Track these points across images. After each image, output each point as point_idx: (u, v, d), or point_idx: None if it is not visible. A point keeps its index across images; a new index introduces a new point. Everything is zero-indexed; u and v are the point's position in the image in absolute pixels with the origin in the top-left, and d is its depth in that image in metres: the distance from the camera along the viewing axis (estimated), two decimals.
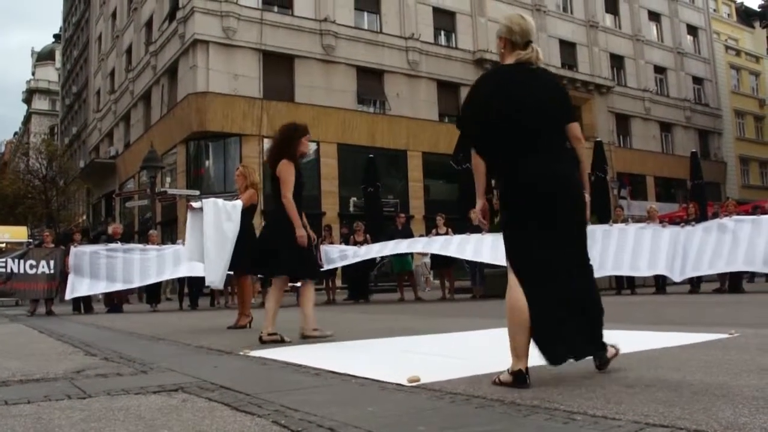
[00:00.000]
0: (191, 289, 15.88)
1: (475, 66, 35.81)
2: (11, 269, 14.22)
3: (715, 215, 15.02)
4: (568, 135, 3.64)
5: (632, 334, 5.62)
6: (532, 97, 3.55)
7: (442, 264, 16.56)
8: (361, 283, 17.38)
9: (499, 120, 3.54)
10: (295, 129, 6.35)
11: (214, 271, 7.99)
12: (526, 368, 3.31)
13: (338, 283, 18.12)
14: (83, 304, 15.01)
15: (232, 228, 7.99)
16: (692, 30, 49.81)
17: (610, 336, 3.67)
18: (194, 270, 13.03)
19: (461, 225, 16.42)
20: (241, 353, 5.24)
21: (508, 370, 3.34)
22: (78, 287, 14.41)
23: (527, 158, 3.47)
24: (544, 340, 3.36)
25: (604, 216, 17.40)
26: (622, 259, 14.00)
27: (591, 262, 3.62)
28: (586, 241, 3.64)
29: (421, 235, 17.73)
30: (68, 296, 14.48)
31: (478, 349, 5.16)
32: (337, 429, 2.53)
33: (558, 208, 3.46)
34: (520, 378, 3.28)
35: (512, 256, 3.50)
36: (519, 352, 3.34)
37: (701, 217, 15.71)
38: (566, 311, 3.42)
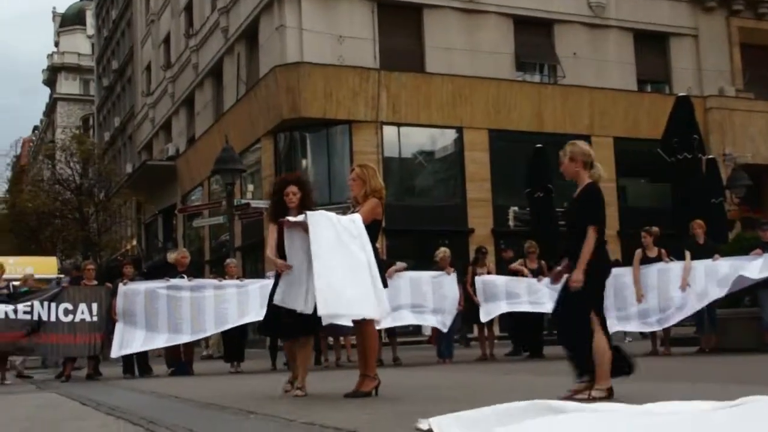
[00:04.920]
0: None
1: (692, 6, 34.75)
2: (39, 316, 14.17)
3: None
4: None
5: None
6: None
7: None
8: (530, 331, 17.06)
9: None
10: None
11: (369, 304, 7.67)
12: None
13: (496, 331, 17.89)
14: (137, 364, 15.32)
15: (360, 246, 7.72)
16: None
17: None
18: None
19: (677, 243, 15.83)
20: None
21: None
22: (129, 341, 14.64)
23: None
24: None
25: None
26: None
27: None
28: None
29: (617, 261, 17.08)
30: (116, 353, 14.74)
31: None
32: None
33: None
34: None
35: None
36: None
37: None
38: None
